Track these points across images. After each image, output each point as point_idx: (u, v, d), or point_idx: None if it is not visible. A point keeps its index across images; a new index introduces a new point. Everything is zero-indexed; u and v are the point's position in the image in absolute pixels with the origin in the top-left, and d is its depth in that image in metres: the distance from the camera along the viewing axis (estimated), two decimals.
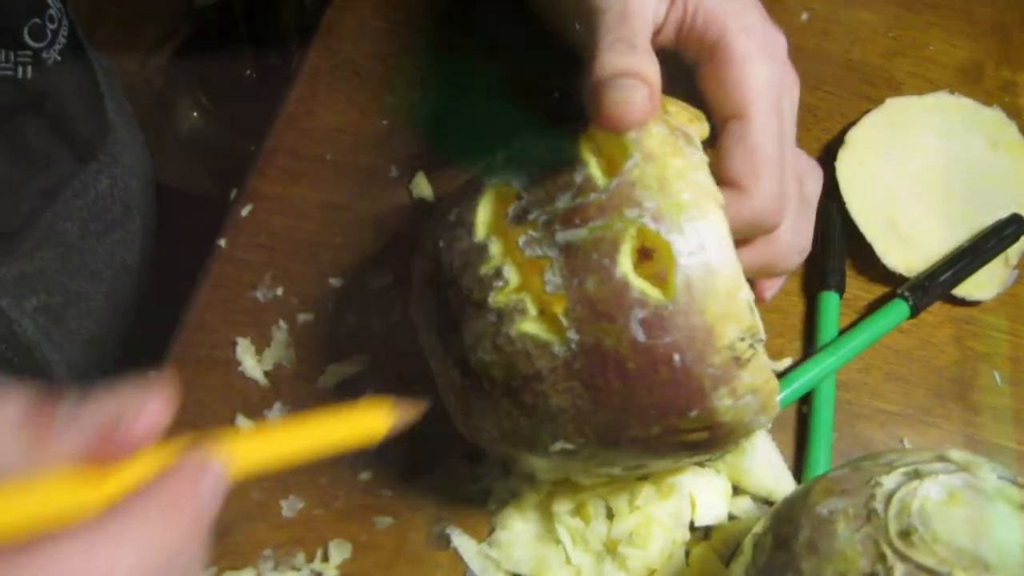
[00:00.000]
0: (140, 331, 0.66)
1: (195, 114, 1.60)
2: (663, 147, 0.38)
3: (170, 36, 1.69)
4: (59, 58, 0.49)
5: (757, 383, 0.38)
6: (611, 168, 0.38)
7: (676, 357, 0.37)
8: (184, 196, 0.90)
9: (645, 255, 0.38)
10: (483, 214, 0.41)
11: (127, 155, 0.60)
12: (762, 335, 0.38)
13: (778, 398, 0.40)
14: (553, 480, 0.47)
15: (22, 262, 0.52)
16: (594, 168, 0.38)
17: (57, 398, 0.29)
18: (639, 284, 0.37)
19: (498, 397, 0.40)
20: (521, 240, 0.39)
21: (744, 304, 0.37)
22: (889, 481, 0.38)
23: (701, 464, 0.49)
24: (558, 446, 0.40)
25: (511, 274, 0.39)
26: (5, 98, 0.48)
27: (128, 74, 1.70)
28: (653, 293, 0.37)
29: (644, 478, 0.48)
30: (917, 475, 0.38)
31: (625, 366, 0.37)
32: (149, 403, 0.29)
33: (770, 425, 0.51)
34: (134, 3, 1.80)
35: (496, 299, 0.39)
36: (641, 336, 0.36)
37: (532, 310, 0.38)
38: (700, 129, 0.41)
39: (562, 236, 0.38)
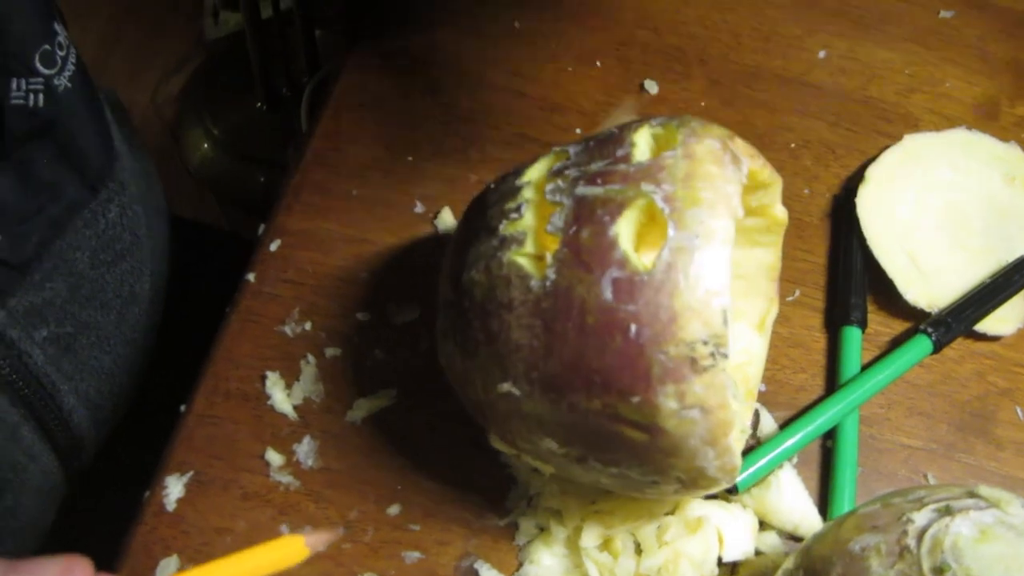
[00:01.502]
0: (153, 362, 0.66)
1: (205, 145, 1.61)
2: (707, 154, 0.39)
3: (181, 67, 1.71)
4: (69, 84, 0.49)
5: (708, 401, 0.38)
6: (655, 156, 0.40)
7: (633, 328, 0.37)
8: (194, 226, 0.90)
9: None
10: (535, 168, 0.44)
11: (136, 183, 0.60)
12: (726, 351, 0.37)
13: (735, 444, 0.39)
14: (504, 450, 0.46)
15: (32, 293, 0.51)
16: (639, 150, 0.40)
17: None
18: (626, 248, 0.38)
19: (471, 318, 0.42)
20: (548, 187, 0.41)
21: (718, 311, 0.37)
22: (920, 517, 0.39)
23: (726, 499, 0.49)
24: (505, 387, 0.41)
25: (528, 212, 0.42)
26: (17, 126, 0.47)
27: (138, 105, 1.71)
28: (635, 260, 0.38)
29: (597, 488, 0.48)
30: (948, 512, 0.39)
31: (585, 319, 0.38)
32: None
33: (794, 460, 0.51)
34: (145, 34, 1.82)
35: (505, 228, 0.42)
36: (609, 295, 0.38)
37: (529, 245, 0.41)
38: (760, 169, 0.42)
39: (581, 190, 0.40)
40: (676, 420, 0.38)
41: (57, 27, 0.48)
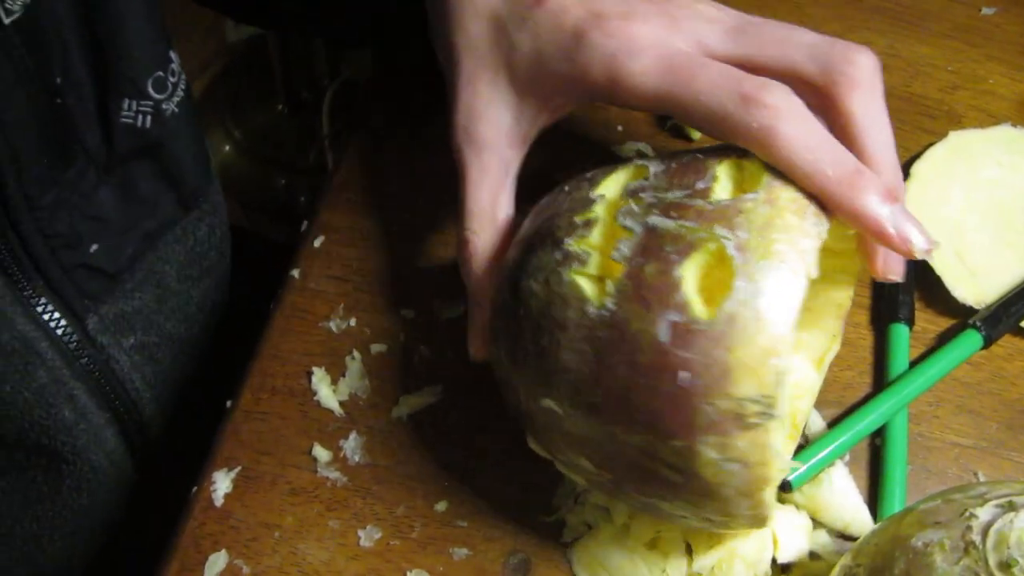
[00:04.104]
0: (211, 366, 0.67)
1: (227, 147, 1.62)
2: (790, 202, 0.38)
3: (202, 70, 1.71)
4: (176, 110, 0.52)
5: (750, 458, 0.37)
6: (735, 195, 0.39)
7: (684, 376, 0.36)
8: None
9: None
10: (611, 180, 0.42)
11: (224, 205, 0.63)
12: (776, 415, 0.37)
13: (770, 497, 0.39)
14: (540, 453, 0.46)
15: (122, 301, 0.54)
16: (720, 186, 0.39)
17: None
18: (689, 291, 0.37)
19: (525, 327, 0.41)
20: (621, 209, 0.40)
21: (774, 372, 0.36)
22: (984, 513, 0.38)
23: (781, 498, 0.49)
24: (549, 403, 0.40)
25: (596, 231, 0.40)
26: (124, 144, 0.50)
27: None
28: (696, 307, 0.37)
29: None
30: (1012, 507, 0.38)
31: (637, 357, 0.37)
32: None
33: (845, 457, 0.51)
34: None
35: (571, 244, 0.40)
36: (665, 337, 0.37)
37: (592, 267, 0.40)
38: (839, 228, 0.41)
39: (653, 220, 0.39)
40: (714, 469, 0.37)
41: (172, 55, 0.51)
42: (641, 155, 0.58)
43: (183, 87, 0.52)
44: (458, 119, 0.47)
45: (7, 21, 0.41)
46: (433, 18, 0.50)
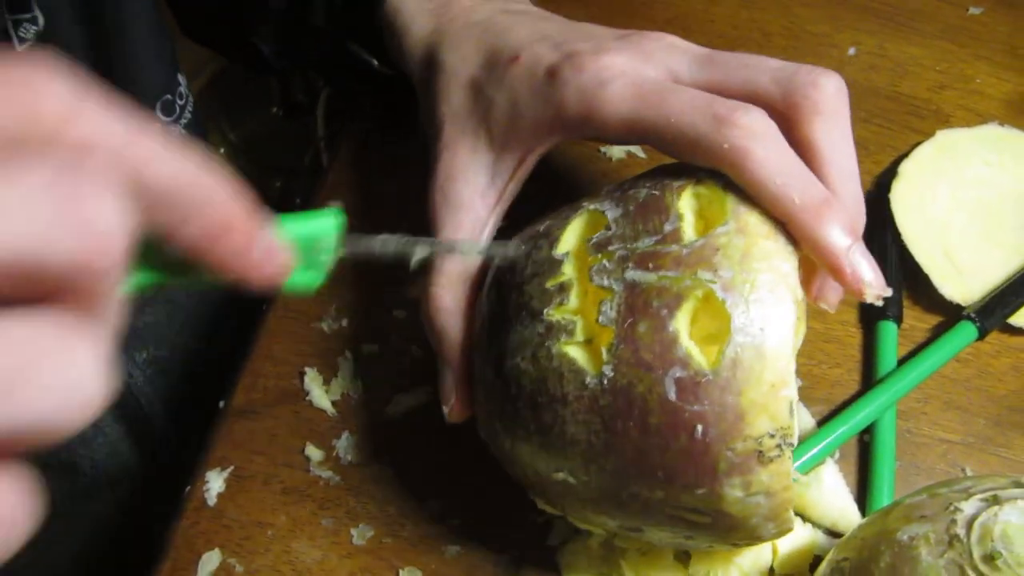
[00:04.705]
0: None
1: (222, 150, 1.62)
2: (760, 227, 0.38)
3: (198, 73, 1.71)
4: (183, 131, 0.53)
5: (773, 487, 0.37)
6: (703, 229, 0.39)
7: (699, 428, 0.36)
8: None
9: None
10: (570, 234, 0.41)
11: None
12: (793, 440, 0.37)
13: (792, 513, 0.39)
14: (551, 511, 0.46)
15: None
16: (687, 224, 0.39)
17: None
18: (687, 344, 0.37)
19: (520, 407, 0.40)
20: (593, 267, 0.39)
21: (785, 402, 0.37)
22: (968, 507, 0.39)
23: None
24: (561, 475, 0.40)
25: (573, 295, 0.39)
26: None
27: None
28: (698, 357, 0.37)
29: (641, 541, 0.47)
30: (996, 501, 0.39)
31: (647, 419, 0.37)
32: None
33: (835, 455, 0.51)
34: None
35: (551, 314, 0.39)
36: (672, 395, 0.36)
37: (580, 335, 0.39)
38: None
39: (631, 275, 0.38)
40: (740, 506, 0.38)
41: (180, 78, 0.52)
42: (622, 155, 0.58)
43: (190, 109, 0.53)
44: (436, 182, 0.47)
45: (20, 48, 0.42)
46: (421, 98, 0.51)
